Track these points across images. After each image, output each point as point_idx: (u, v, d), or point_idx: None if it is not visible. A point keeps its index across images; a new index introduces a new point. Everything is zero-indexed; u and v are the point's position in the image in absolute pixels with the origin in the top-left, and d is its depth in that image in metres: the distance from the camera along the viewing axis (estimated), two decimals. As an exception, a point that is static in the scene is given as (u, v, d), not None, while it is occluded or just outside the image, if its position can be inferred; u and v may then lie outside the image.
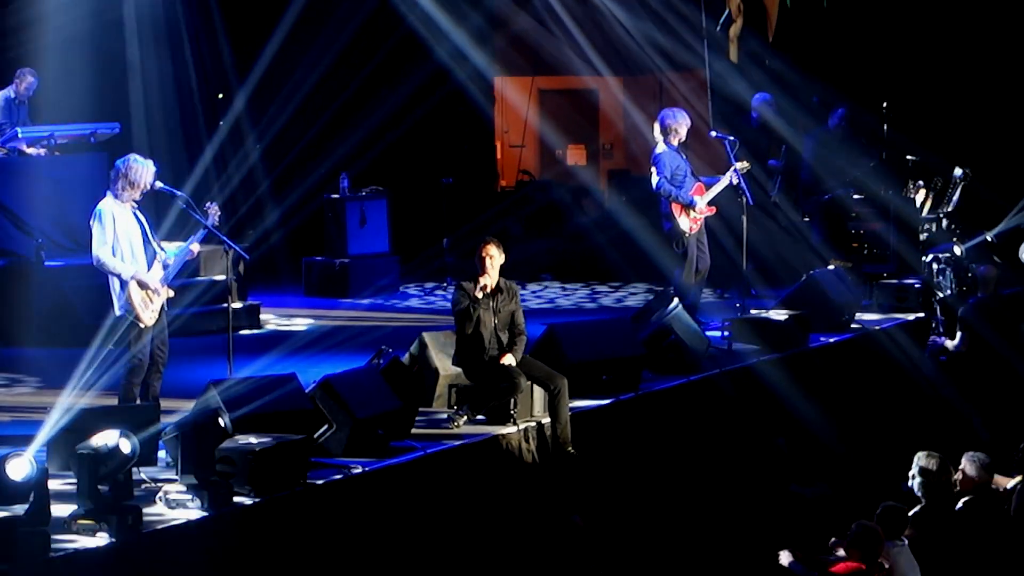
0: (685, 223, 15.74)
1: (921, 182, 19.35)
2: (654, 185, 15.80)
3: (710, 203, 15.85)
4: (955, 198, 19.01)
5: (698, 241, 15.89)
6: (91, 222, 11.77)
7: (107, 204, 11.77)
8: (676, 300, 14.82)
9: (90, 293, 15.91)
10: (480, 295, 12.49)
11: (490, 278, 12.53)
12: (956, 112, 20.53)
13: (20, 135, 16.98)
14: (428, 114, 20.91)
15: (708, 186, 15.91)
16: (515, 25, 22.33)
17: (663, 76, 22.64)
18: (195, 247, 12.12)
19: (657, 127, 15.87)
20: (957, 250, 17.82)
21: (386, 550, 10.96)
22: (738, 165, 15.94)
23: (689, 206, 15.71)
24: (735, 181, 15.82)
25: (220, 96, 20.32)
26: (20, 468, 9.48)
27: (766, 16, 21.67)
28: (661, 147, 15.79)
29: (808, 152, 18.12)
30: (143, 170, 11.79)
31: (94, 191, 16.40)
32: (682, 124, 15.78)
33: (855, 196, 18.51)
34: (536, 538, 11.80)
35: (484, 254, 12.56)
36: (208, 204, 12.39)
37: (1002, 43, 20.48)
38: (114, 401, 11.92)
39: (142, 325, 11.78)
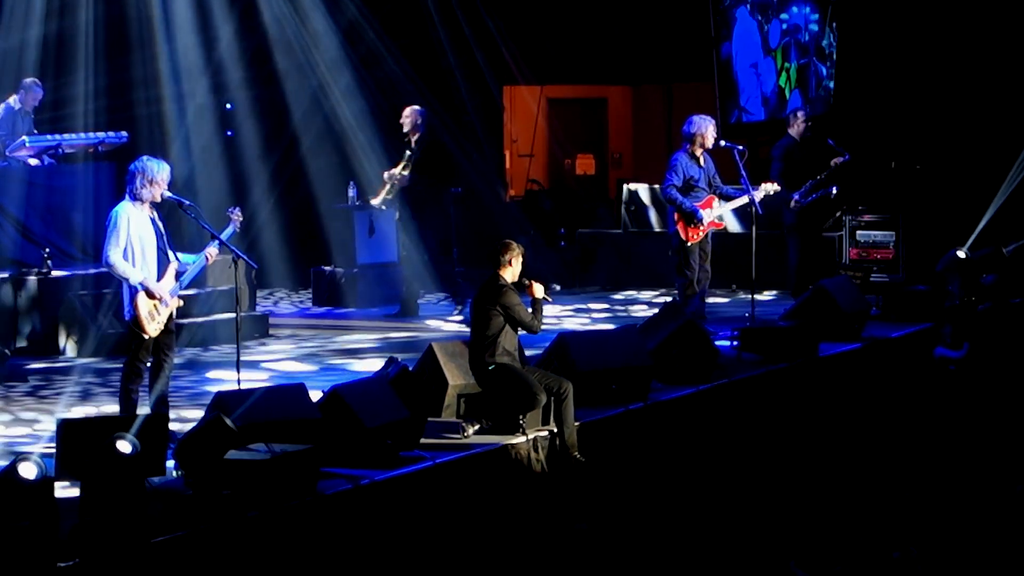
0: (688, 233, 15.71)
1: None
2: (662, 191, 15.78)
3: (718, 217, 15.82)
4: None
5: (700, 251, 15.85)
6: (108, 224, 11.80)
7: (123, 206, 11.75)
8: (683, 310, 14.79)
9: (97, 303, 15.95)
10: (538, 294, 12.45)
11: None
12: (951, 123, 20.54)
13: (27, 144, 16.98)
14: (437, 123, 20.88)
15: (729, 197, 15.86)
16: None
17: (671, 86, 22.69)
18: (212, 252, 12.10)
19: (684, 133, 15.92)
20: (961, 253, 17.76)
21: (395, 560, 10.94)
22: (763, 188, 15.82)
23: (693, 216, 15.68)
24: (755, 200, 15.74)
25: (228, 106, 20.31)
26: (30, 470, 9.47)
27: None
28: (680, 154, 15.80)
29: (776, 164, 17.82)
30: (156, 167, 11.77)
31: (102, 201, 16.47)
32: (707, 133, 15.76)
33: (861, 211, 18.44)
34: (544, 548, 11.77)
35: (519, 256, 12.46)
36: (231, 209, 12.37)
37: (995, 55, 20.49)
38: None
39: (145, 336, 11.75)
